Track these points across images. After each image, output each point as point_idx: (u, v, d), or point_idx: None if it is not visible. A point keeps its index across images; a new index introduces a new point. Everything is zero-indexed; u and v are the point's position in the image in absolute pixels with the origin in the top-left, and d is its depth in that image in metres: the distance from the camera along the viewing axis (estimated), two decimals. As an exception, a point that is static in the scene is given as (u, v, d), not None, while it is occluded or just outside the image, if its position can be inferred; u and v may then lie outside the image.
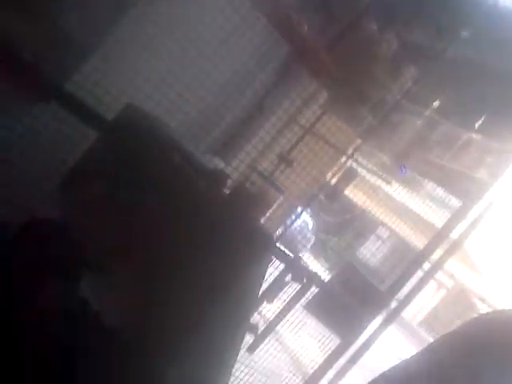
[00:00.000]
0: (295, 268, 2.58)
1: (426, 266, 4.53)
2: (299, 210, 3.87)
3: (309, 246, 4.78)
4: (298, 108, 3.27)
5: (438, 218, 4.89)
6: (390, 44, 2.50)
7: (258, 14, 2.60)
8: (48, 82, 2.71)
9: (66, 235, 2.51)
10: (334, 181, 3.59)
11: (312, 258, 4.69)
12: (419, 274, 4.92)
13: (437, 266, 4.32)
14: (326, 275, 3.89)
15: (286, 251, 2.64)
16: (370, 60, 2.48)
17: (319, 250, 5.07)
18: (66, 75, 2.86)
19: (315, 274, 2.63)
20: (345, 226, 5.29)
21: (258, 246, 2.67)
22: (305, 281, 2.55)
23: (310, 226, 4.55)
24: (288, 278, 2.64)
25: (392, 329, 4.60)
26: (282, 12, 2.09)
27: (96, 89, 2.74)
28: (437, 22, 2.68)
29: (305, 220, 4.28)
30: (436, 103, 3.28)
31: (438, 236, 4.19)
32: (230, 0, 2.77)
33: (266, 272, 2.62)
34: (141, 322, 2.42)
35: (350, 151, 3.51)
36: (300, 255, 2.71)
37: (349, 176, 3.61)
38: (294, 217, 3.91)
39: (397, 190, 4.18)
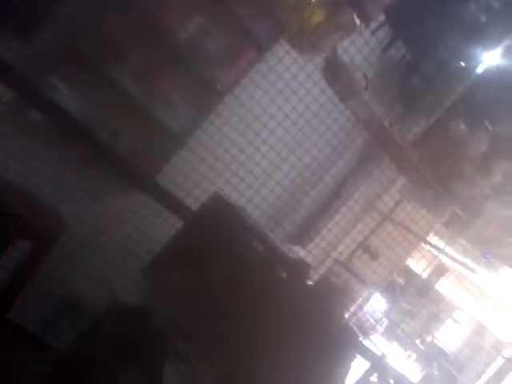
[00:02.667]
0: (381, 367, 2.45)
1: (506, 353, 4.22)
2: (376, 294, 3.76)
3: (381, 329, 4.58)
4: (379, 195, 3.26)
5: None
6: (480, 143, 2.47)
7: (340, 107, 2.69)
8: (141, 173, 2.88)
9: (148, 322, 2.55)
10: (423, 275, 3.49)
11: (385, 340, 4.48)
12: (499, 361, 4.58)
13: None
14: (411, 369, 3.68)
15: (371, 348, 2.53)
16: (459, 159, 2.45)
17: (392, 332, 4.85)
18: (157, 167, 3.04)
19: (403, 376, 2.47)
20: (421, 309, 5.07)
21: (342, 342, 2.58)
22: (392, 382, 2.40)
23: (383, 307, 4.39)
24: (373, 377, 2.50)
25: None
26: (369, 112, 2.14)
27: (185, 181, 2.89)
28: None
29: (380, 303, 4.13)
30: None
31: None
32: (311, 93, 2.89)
33: (349, 370, 2.51)
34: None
35: (431, 239, 3.43)
36: (385, 353, 2.58)
37: (439, 271, 3.49)
38: (370, 302, 3.80)
39: (478, 275, 3.99)
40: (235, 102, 3.04)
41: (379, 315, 3.90)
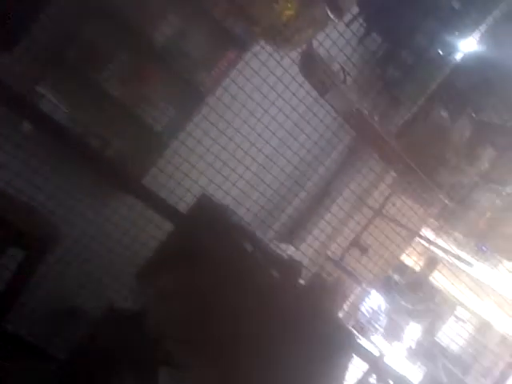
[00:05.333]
0: (379, 368, 2.40)
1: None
2: (372, 292, 3.72)
3: (382, 329, 4.53)
4: (367, 190, 3.26)
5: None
6: (463, 130, 2.47)
7: (323, 104, 2.70)
8: (127, 175, 2.89)
9: (143, 328, 2.54)
10: (416, 269, 3.46)
11: (384, 340, 4.42)
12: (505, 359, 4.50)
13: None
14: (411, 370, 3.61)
15: (368, 348, 2.48)
16: (443, 147, 2.45)
17: (393, 332, 4.78)
18: (143, 170, 3.06)
19: (403, 376, 2.42)
20: (422, 308, 4.98)
21: (337, 342, 2.54)
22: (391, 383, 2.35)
23: (383, 307, 4.35)
24: (372, 379, 2.45)
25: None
26: (349, 105, 2.15)
27: (169, 181, 2.90)
28: (508, 100, 2.64)
29: (377, 301, 4.09)
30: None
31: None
32: (292, 91, 2.89)
33: (346, 372, 2.46)
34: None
35: (423, 232, 3.41)
36: (384, 354, 2.54)
37: (431, 263, 3.46)
38: (366, 300, 3.76)
39: (476, 270, 3.93)
40: (218, 103, 3.07)
41: (377, 314, 3.86)
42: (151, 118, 3.04)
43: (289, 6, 1.87)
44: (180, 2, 2.83)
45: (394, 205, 3.13)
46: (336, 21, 2.00)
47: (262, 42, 2.33)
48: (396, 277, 3.72)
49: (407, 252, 3.47)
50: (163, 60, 3.00)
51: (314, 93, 2.63)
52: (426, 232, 3.46)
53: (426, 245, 3.41)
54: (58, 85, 2.92)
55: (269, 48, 2.40)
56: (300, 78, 2.44)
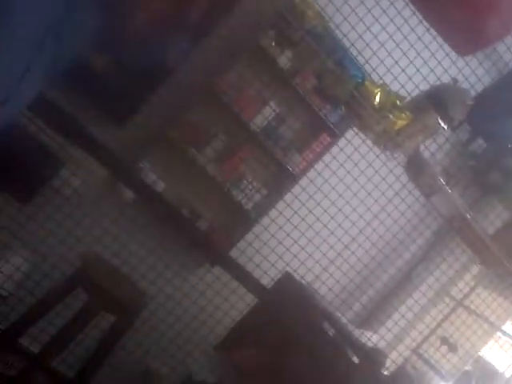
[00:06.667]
0: None
1: None
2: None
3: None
4: (451, 280, 3.21)
5: None
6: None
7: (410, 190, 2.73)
8: (216, 247, 3.00)
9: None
10: (493, 363, 3.33)
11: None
12: None
13: None
14: None
15: None
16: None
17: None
18: (232, 243, 3.17)
19: None
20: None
21: None
22: None
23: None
24: None
25: None
26: (455, 210, 2.17)
27: (256, 256, 2.98)
28: None
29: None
30: None
31: None
32: (381, 177, 2.95)
33: None
34: None
35: (506, 326, 3.29)
36: None
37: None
38: None
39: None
40: (310, 184, 3.17)
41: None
42: (243, 196, 3.18)
43: (403, 116, 1.96)
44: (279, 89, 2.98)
45: (478, 296, 3.06)
46: (446, 129, 2.07)
47: (370, 142, 2.41)
48: (475, 371, 3.57)
49: (488, 346, 3.34)
50: (259, 141, 3.16)
51: (402, 178, 2.67)
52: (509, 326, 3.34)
53: (508, 340, 3.28)
54: (160, 158, 3.13)
55: (371, 145, 2.48)
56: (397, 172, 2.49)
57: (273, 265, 2.98)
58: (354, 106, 2.06)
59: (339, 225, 3.09)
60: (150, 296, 2.85)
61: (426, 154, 2.31)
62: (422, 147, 2.28)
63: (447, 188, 2.13)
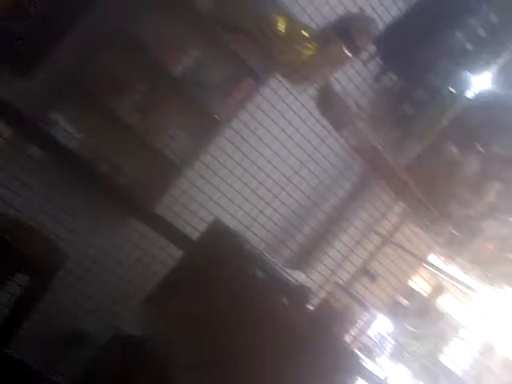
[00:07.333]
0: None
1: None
2: (379, 317, 3.74)
3: (387, 351, 4.54)
4: (376, 219, 3.30)
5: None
6: (472, 165, 2.53)
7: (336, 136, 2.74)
8: (141, 204, 2.91)
9: (150, 354, 2.55)
10: (418, 290, 3.50)
11: (391, 363, 4.42)
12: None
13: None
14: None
15: (373, 370, 2.51)
16: (452, 181, 2.50)
17: (399, 355, 4.79)
18: (156, 199, 3.08)
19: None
20: (427, 331, 5.02)
21: (343, 366, 2.58)
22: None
23: (390, 329, 4.36)
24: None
25: None
26: (363, 139, 2.19)
27: (183, 210, 2.92)
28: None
29: (384, 326, 4.10)
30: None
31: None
32: (306, 122, 2.94)
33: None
34: None
35: (431, 259, 3.44)
36: (388, 376, 2.57)
37: (438, 289, 3.51)
38: (373, 325, 3.77)
39: (482, 295, 3.97)
40: (235, 135, 3.11)
41: (384, 338, 3.87)
42: (166, 147, 3.07)
43: (309, 46, 1.92)
44: (199, 34, 2.87)
45: (402, 233, 3.17)
46: (353, 58, 2.05)
47: (280, 78, 2.37)
48: (403, 302, 3.75)
49: (415, 278, 3.50)
50: (180, 89, 3.04)
51: (330, 127, 2.68)
52: (434, 259, 3.50)
53: (433, 271, 3.45)
54: (72, 111, 2.95)
55: (288, 84, 2.44)
56: (316, 113, 2.48)
57: (202, 219, 2.95)
58: (259, 37, 1.98)
59: (267, 175, 3.08)
60: (74, 260, 2.76)
61: (337, 88, 2.30)
62: (332, 80, 2.27)
63: (358, 121, 2.14)
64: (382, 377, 2.79)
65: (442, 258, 3.30)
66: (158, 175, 3.11)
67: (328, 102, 2.13)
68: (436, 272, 3.45)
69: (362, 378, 2.62)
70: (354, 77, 2.65)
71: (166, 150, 3.08)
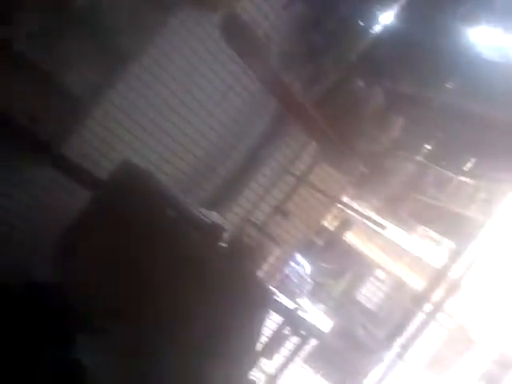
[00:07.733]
0: (293, 320, 2.54)
1: (427, 307, 4.51)
2: (295, 256, 3.87)
3: (306, 291, 4.75)
4: (290, 159, 3.33)
5: (434, 258, 4.88)
6: (378, 99, 2.58)
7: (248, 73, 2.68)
8: (46, 146, 2.75)
9: (62, 299, 2.49)
10: (331, 229, 3.63)
11: (309, 302, 4.65)
12: (420, 315, 4.89)
13: (437, 307, 4.30)
14: (325, 322, 3.87)
15: (284, 303, 2.62)
16: (358, 114, 2.54)
17: (317, 294, 5.04)
18: (63, 138, 2.91)
19: (314, 326, 2.59)
20: (342, 269, 5.29)
21: (254, 300, 2.66)
22: (303, 333, 2.50)
23: (308, 270, 4.55)
24: (286, 331, 2.60)
25: (395, 373, 4.53)
26: (272, 73, 2.16)
27: (93, 152, 2.79)
28: (423, 73, 2.78)
29: (301, 265, 4.27)
30: (426, 149, 3.36)
31: (437, 277, 4.19)
32: (218, 59, 2.86)
33: (263, 326, 2.59)
34: (140, 375, 2.39)
35: (343, 198, 3.56)
36: (298, 305, 2.69)
37: (346, 224, 3.65)
38: (290, 264, 3.91)
39: (392, 233, 4.21)
40: (143, 70, 2.97)
41: (302, 277, 4.03)
42: (70, 83, 2.87)
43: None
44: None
45: (316, 173, 3.23)
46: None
47: (188, 7, 2.26)
48: (317, 241, 3.90)
49: (329, 218, 3.62)
50: (84, 22, 2.82)
51: (244, 66, 2.60)
52: (345, 198, 3.62)
53: (346, 210, 3.58)
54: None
55: (195, 16, 2.33)
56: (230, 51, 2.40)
57: (112, 161, 2.83)
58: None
59: (180, 115, 2.99)
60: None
61: (245, 17, 2.24)
62: (239, 9, 2.20)
63: (266, 51, 2.10)
64: (296, 311, 2.93)
65: (352, 196, 3.42)
66: (63, 112, 2.94)
67: (234, 31, 2.06)
68: (344, 208, 3.58)
69: (276, 312, 2.73)
70: (261, 5, 2.56)
71: (71, 85, 2.90)
